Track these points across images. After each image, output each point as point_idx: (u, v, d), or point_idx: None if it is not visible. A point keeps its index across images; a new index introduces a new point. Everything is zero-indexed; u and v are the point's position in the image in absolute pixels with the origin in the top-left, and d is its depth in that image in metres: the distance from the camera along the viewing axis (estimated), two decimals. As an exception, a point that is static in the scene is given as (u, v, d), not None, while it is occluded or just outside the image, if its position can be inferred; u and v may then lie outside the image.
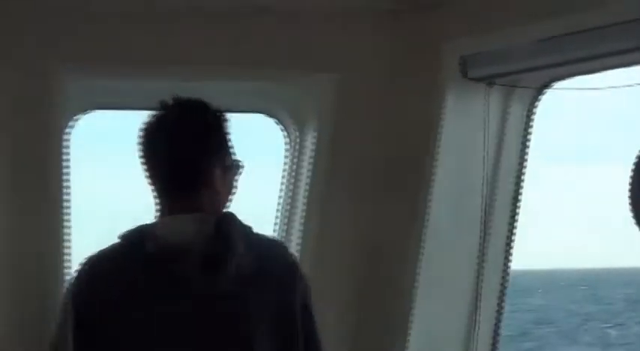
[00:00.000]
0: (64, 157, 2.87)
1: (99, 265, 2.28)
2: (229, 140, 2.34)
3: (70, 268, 2.86)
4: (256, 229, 2.40)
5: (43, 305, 2.84)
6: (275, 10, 2.97)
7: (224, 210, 2.35)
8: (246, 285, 2.19)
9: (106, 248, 2.29)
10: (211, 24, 2.96)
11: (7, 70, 2.84)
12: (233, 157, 2.35)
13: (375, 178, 3.14)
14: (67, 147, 2.89)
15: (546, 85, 3.13)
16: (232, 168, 2.34)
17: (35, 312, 2.85)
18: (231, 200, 2.39)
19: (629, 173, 2.67)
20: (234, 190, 2.39)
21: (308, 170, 3.24)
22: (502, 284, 3.21)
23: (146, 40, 2.92)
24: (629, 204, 2.65)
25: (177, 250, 2.20)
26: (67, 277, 2.79)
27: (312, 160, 3.23)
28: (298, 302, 2.27)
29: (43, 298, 2.85)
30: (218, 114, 2.31)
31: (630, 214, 2.66)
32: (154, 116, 2.28)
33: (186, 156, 2.27)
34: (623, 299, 41.34)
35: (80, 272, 2.31)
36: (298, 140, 3.28)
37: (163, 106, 2.25)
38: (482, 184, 3.07)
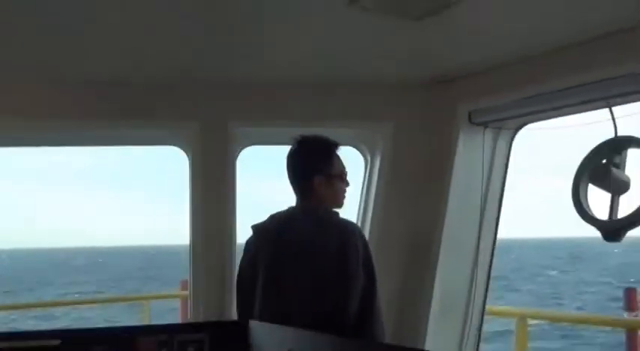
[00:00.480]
0: (234, 172, 3.72)
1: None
2: (327, 160, 2.84)
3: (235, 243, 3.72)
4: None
5: (221, 263, 3.71)
6: (355, 81, 3.68)
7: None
8: None
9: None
10: (316, 92, 3.71)
11: (196, 124, 3.67)
12: (334, 170, 2.84)
13: (414, 188, 3.84)
14: (234, 165, 3.72)
15: (520, 126, 3.85)
16: (333, 177, 2.84)
17: (217, 268, 3.71)
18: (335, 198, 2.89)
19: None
20: (340, 192, 2.90)
21: (376, 180, 3.87)
22: (492, 249, 3.93)
23: (276, 103, 3.74)
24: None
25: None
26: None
27: (377, 176, 3.86)
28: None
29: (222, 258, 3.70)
30: (326, 144, 2.88)
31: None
32: (292, 146, 2.91)
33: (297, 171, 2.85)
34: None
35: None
36: (369, 164, 3.98)
37: (296, 140, 2.91)
38: (481, 190, 3.82)
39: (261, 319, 2.60)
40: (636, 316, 7.55)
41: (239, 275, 2.92)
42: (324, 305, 2.56)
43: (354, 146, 3.99)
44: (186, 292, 5.86)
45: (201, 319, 3.56)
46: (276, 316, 2.55)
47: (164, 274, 31.41)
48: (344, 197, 2.97)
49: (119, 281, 40.28)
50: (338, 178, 2.84)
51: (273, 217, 2.84)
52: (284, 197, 3.10)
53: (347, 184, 2.97)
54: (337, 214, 2.83)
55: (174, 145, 3.85)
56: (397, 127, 3.80)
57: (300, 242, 2.69)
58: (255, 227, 2.88)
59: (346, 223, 2.76)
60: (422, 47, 3.25)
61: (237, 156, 3.78)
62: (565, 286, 35.42)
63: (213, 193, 3.69)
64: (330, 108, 3.75)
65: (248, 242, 2.92)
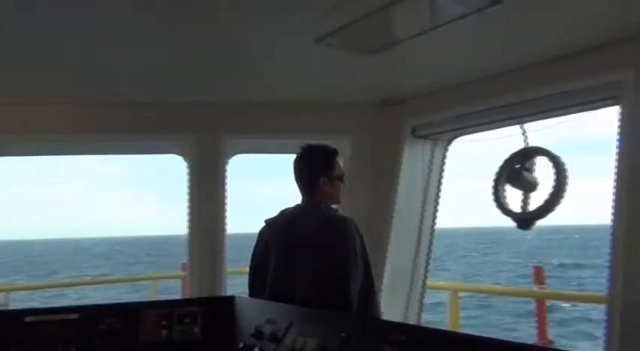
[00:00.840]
0: (225, 176, 3.74)
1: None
2: (330, 164, 2.69)
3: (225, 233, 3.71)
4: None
5: (213, 250, 3.72)
6: (321, 103, 3.69)
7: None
8: None
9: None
10: (291, 111, 3.69)
11: (193, 136, 3.71)
12: (334, 173, 2.69)
13: (370, 187, 3.87)
14: (225, 170, 3.74)
15: (453, 139, 3.91)
16: (335, 179, 2.71)
17: (209, 254, 3.72)
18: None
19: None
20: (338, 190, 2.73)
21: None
22: (431, 236, 3.99)
23: (260, 119, 3.70)
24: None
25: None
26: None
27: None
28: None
29: (214, 246, 3.72)
30: (329, 150, 2.73)
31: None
32: (298, 153, 2.74)
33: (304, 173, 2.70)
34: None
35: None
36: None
37: (302, 148, 2.74)
38: (422, 188, 3.89)
39: (272, 299, 2.54)
40: (543, 288, 7.68)
41: (252, 261, 2.79)
42: (325, 288, 2.45)
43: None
44: (186, 273, 5.75)
45: (196, 295, 3.57)
46: (284, 296, 2.46)
47: (162, 260, 31.06)
48: (341, 194, 2.84)
49: (129, 265, 39.66)
50: (339, 178, 2.74)
51: (282, 213, 2.74)
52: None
53: (345, 183, 2.85)
54: (336, 210, 2.72)
55: (175, 153, 3.86)
56: (355, 139, 3.84)
57: (305, 233, 2.59)
58: (267, 221, 2.77)
59: (345, 218, 2.62)
60: (375, 75, 3.29)
61: (227, 162, 3.78)
62: (484, 265, 35.91)
63: (207, 193, 3.70)
64: (302, 124, 3.78)
65: (261, 233, 2.79)
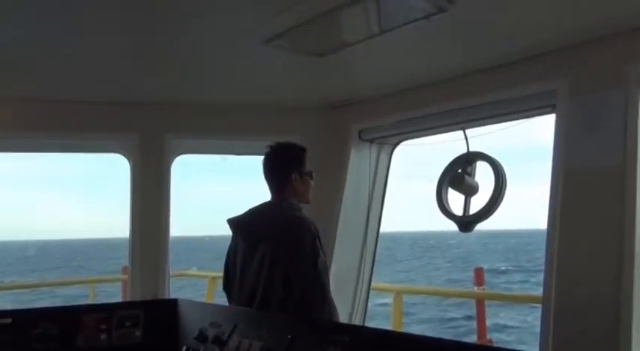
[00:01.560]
0: (169, 177, 3.67)
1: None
2: (301, 161, 2.69)
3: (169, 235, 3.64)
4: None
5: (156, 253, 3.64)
6: (269, 104, 3.65)
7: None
8: None
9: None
10: (239, 112, 3.68)
11: (136, 136, 3.62)
12: (305, 169, 2.69)
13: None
14: (169, 171, 3.67)
15: (398, 143, 3.93)
16: (306, 175, 2.69)
17: (152, 257, 3.62)
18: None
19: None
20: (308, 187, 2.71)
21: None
22: (376, 239, 3.99)
23: (206, 119, 3.67)
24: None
25: None
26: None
27: None
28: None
29: (157, 248, 3.61)
30: (293, 149, 2.73)
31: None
32: (268, 150, 2.73)
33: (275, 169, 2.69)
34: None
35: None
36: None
37: (272, 146, 2.73)
38: (368, 191, 3.89)
39: (239, 300, 2.49)
40: (483, 289, 7.93)
41: (225, 262, 2.75)
42: (276, 289, 2.42)
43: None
44: (126, 277, 5.58)
45: (138, 299, 3.45)
46: (245, 297, 2.44)
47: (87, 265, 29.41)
48: (311, 193, 2.80)
49: (52, 270, 37.72)
50: (309, 175, 2.71)
51: (249, 210, 2.69)
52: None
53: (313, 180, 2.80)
54: (300, 209, 2.64)
55: (118, 153, 3.75)
56: (302, 141, 3.54)
57: (264, 230, 2.56)
58: (229, 220, 2.72)
59: (303, 218, 2.55)
60: (323, 78, 3.28)
61: (171, 162, 3.70)
62: (419, 269, 36.68)
63: (150, 194, 3.61)
64: (249, 125, 3.72)
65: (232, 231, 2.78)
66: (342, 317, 3.70)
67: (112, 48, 2.67)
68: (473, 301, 7.01)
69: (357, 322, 3.87)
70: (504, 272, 32.90)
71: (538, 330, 2.68)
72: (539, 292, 3.03)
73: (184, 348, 2.12)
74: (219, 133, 3.69)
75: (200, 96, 3.52)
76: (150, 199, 3.61)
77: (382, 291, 6.02)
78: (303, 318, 2.23)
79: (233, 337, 1.98)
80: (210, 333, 2.07)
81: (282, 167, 2.68)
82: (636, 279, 2.42)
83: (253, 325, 2.00)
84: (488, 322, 6.95)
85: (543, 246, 2.70)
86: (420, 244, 64.19)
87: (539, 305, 2.75)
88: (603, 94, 2.54)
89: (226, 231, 2.72)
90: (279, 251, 2.45)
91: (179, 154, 3.73)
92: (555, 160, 2.72)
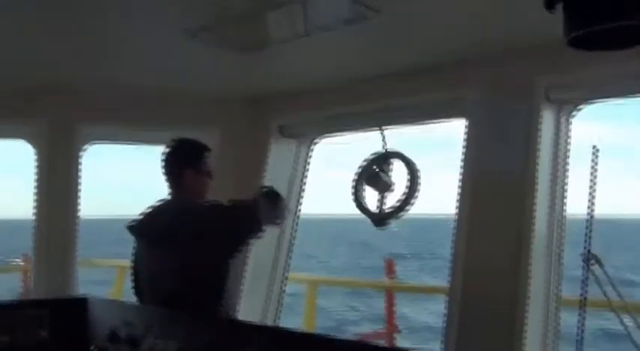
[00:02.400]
0: (79, 165, 3.54)
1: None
2: (198, 158, 2.64)
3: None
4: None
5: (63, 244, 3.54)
6: (189, 95, 3.58)
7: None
8: None
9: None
10: (158, 101, 3.57)
11: (44, 121, 3.46)
12: (202, 168, 2.67)
13: (236, 181, 3.71)
14: (78, 158, 3.54)
15: (317, 139, 3.95)
16: (202, 174, 2.67)
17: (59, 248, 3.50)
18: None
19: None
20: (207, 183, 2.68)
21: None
22: (292, 230, 3.96)
23: (119, 107, 3.53)
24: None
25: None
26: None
27: None
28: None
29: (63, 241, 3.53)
30: (191, 146, 2.69)
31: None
32: (167, 146, 2.71)
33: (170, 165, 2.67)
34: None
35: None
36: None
37: (173, 141, 2.70)
38: (286, 184, 3.86)
39: (149, 300, 2.43)
40: (393, 278, 8.25)
41: (132, 267, 2.69)
42: (177, 284, 2.39)
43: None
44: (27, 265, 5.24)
45: (42, 294, 3.29)
46: (160, 297, 2.37)
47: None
48: (207, 191, 2.75)
49: None
50: (206, 174, 2.67)
51: (149, 209, 2.65)
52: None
53: (211, 180, 2.77)
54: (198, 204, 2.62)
55: (22, 138, 3.54)
56: (223, 133, 3.75)
57: (165, 225, 2.51)
58: (128, 227, 2.65)
59: (206, 207, 2.54)
60: (245, 72, 3.27)
61: (81, 149, 3.54)
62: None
63: (58, 183, 3.45)
64: (168, 114, 3.62)
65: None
66: (258, 310, 3.83)
67: (21, 23, 2.48)
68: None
69: (271, 314, 3.92)
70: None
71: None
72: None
73: (93, 348, 2.04)
74: (133, 121, 3.57)
75: (115, 82, 3.37)
76: (57, 188, 3.47)
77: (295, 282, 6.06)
78: (221, 319, 2.22)
79: (148, 337, 1.94)
80: (123, 333, 2.01)
81: (177, 163, 2.64)
82: (531, 273, 2.67)
83: (169, 325, 1.97)
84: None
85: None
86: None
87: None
88: (510, 105, 2.74)
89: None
90: (186, 244, 2.43)
91: (91, 141, 3.57)
92: (465, 161, 2.91)
